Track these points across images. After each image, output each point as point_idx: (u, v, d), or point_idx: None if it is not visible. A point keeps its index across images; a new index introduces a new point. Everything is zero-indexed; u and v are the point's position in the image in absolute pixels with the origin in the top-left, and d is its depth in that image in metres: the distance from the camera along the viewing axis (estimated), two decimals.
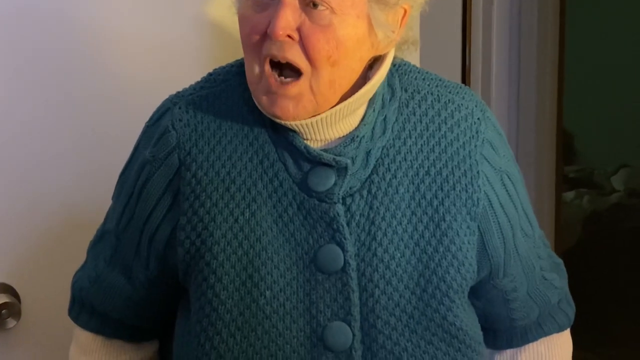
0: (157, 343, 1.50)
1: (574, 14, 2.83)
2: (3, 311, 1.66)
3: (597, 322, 3.35)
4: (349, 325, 1.32)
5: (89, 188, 1.71)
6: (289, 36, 1.25)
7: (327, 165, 1.32)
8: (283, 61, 1.26)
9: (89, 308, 1.44)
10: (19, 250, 1.69)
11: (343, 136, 1.33)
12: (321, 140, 1.33)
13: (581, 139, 3.82)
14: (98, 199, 1.52)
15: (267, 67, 1.27)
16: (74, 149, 1.71)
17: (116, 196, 1.43)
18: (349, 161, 1.32)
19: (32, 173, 1.69)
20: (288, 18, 1.24)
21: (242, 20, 1.29)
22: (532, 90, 2.50)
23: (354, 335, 1.32)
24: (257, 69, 1.29)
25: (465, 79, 2.41)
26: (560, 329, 1.48)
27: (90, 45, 1.70)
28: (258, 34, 1.27)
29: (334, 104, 1.31)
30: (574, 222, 3.65)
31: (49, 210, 1.70)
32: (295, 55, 1.26)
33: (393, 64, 1.36)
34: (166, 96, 1.41)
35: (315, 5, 1.25)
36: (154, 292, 1.42)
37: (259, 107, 1.32)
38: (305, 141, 1.32)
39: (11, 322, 1.68)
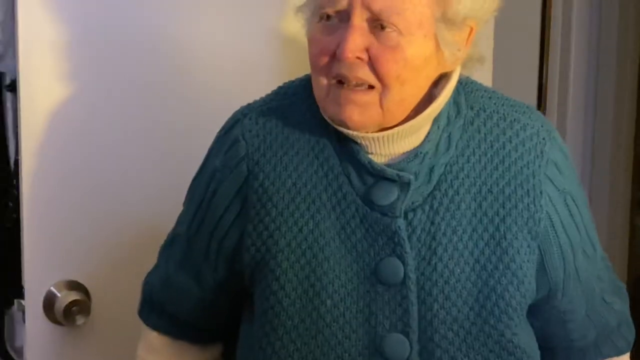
0: (222, 346, 1.53)
1: None
2: (73, 308, 1.70)
3: None
4: (407, 337, 1.32)
5: (162, 192, 1.75)
6: (358, 57, 1.27)
7: (390, 180, 1.33)
8: (353, 80, 1.28)
9: (159, 309, 1.48)
10: (91, 249, 1.73)
11: (407, 152, 1.35)
12: (385, 155, 1.35)
13: None
14: (171, 203, 1.55)
15: (336, 81, 1.30)
16: (150, 155, 1.76)
17: (187, 202, 1.46)
18: (411, 177, 1.33)
19: (109, 175, 1.74)
20: (357, 40, 1.26)
21: (312, 41, 1.32)
22: (609, 112, 2.47)
23: (411, 347, 1.32)
24: (325, 83, 1.31)
25: (541, 97, 2.39)
26: (619, 353, 1.47)
27: (175, 58, 1.75)
28: (327, 55, 1.29)
29: (400, 120, 1.32)
30: None
31: (123, 211, 1.74)
32: (365, 74, 1.28)
33: (459, 82, 1.38)
34: (239, 107, 1.44)
35: (383, 28, 1.26)
36: (221, 295, 1.45)
37: (326, 118, 1.34)
38: (369, 155, 1.34)
39: (81, 319, 1.72)
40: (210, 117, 1.53)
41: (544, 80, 2.38)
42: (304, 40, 1.35)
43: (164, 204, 1.66)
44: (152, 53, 1.73)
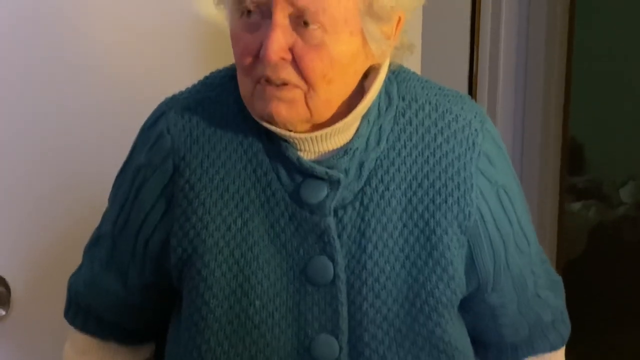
0: (153, 346, 1.49)
1: (583, 19, 2.80)
2: None
3: (598, 334, 3.32)
4: (337, 338, 1.30)
5: (87, 187, 1.70)
6: (282, 58, 1.23)
7: (320, 177, 1.30)
8: (278, 82, 1.25)
9: (85, 310, 1.44)
10: (12, 242, 1.69)
11: (337, 148, 1.32)
12: (315, 152, 1.32)
13: (590, 150, 3.79)
14: (96, 198, 1.51)
15: (262, 81, 1.26)
16: (73, 148, 1.71)
17: (112, 199, 1.42)
18: (341, 175, 1.30)
19: (32, 168, 1.69)
20: (280, 41, 1.22)
21: (234, 39, 1.28)
22: (538, 98, 2.49)
23: (341, 348, 1.31)
24: (250, 83, 1.27)
25: (471, 84, 2.39)
26: (552, 349, 1.45)
27: (87, 51, 1.69)
28: (250, 55, 1.25)
29: (329, 117, 1.29)
30: (579, 233, 3.62)
31: (46, 205, 1.70)
32: (290, 75, 1.24)
33: (392, 71, 1.35)
34: (162, 99, 1.40)
35: (306, 24, 1.22)
36: (150, 296, 1.41)
37: (253, 115, 1.30)
38: (298, 152, 1.31)
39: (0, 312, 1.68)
40: (131, 110, 1.48)
41: (474, 67, 2.38)
42: (227, 30, 1.31)
43: (90, 199, 1.62)
44: (60, 47, 1.67)
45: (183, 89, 1.40)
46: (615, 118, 3.75)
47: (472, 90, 2.40)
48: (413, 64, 1.43)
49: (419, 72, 1.87)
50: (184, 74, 1.50)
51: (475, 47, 2.37)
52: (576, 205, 3.67)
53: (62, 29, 1.68)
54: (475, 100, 2.40)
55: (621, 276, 3.57)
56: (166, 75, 1.69)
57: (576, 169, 3.65)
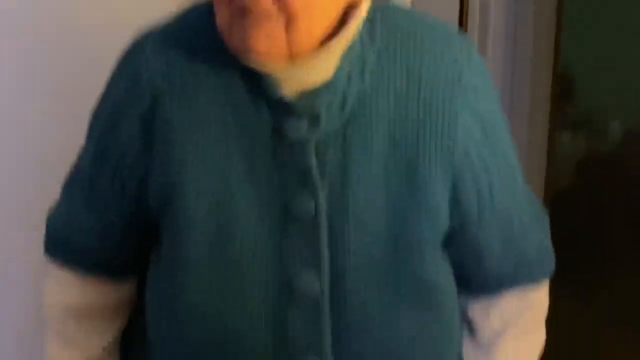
0: (136, 280, 1.46)
1: None
2: None
3: (584, 270, 3.33)
4: (319, 273, 1.29)
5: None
6: None
7: (301, 113, 1.27)
8: (256, 11, 1.21)
9: (64, 246, 1.42)
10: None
11: (319, 85, 1.28)
12: (296, 87, 1.28)
13: (582, 82, 3.77)
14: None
15: (239, 11, 1.22)
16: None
17: (88, 137, 1.39)
18: (322, 110, 1.27)
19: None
20: None
21: None
22: (529, 27, 2.46)
23: (322, 284, 1.29)
24: (227, 13, 1.23)
25: (462, 10, 2.35)
26: (537, 282, 1.44)
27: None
28: None
29: (310, 51, 1.25)
30: (569, 163, 3.62)
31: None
32: (268, 4, 1.21)
33: (377, 5, 1.31)
34: None
35: None
36: (130, 233, 1.39)
37: (231, 48, 1.26)
38: (279, 88, 1.27)
39: None
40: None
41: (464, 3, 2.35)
42: None
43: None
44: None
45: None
46: (607, 51, 3.72)
47: (462, 17, 2.37)
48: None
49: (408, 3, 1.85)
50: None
51: None
52: (566, 135, 3.66)
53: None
54: (466, 26, 2.38)
55: (609, 209, 3.58)
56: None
57: (567, 100, 3.63)
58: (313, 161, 1.27)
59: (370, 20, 1.30)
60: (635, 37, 3.62)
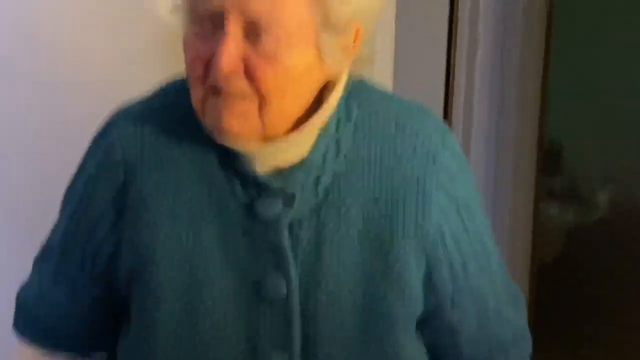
0: (105, 355, 1.44)
1: (561, 19, 2.79)
2: None
3: (572, 339, 3.31)
4: (289, 356, 1.26)
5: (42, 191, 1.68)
6: (233, 70, 1.19)
7: (275, 192, 1.26)
8: (230, 91, 1.20)
9: (34, 322, 1.40)
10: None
11: (293, 163, 1.27)
12: (270, 166, 1.27)
13: (568, 152, 3.77)
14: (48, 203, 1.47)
15: (212, 91, 1.22)
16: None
17: (61, 211, 1.38)
18: (297, 190, 1.26)
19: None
20: (232, 52, 1.18)
21: (186, 46, 1.23)
22: (514, 97, 2.47)
23: None
24: (201, 93, 1.23)
25: (448, 82, 2.37)
26: None
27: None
28: (202, 64, 1.21)
29: (284, 130, 1.25)
30: (556, 236, 3.61)
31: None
32: (242, 86, 1.20)
33: (352, 84, 1.30)
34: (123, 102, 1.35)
35: (259, 36, 1.18)
36: (99, 309, 1.37)
37: (206, 127, 1.26)
38: (253, 166, 1.26)
39: None
40: (85, 118, 1.45)
41: (451, 64, 2.36)
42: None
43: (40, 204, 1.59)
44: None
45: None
46: (592, 120, 3.73)
47: (448, 88, 2.38)
48: (385, 75, 1.39)
49: (390, 83, 1.85)
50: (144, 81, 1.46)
51: (452, 45, 2.35)
52: (553, 208, 3.66)
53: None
54: (452, 99, 2.39)
55: (596, 280, 3.56)
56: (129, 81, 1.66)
57: (553, 171, 3.64)
58: (286, 241, 1.26)
59: (346, 99, 1.29)
60: (621, 107, 3.65)
